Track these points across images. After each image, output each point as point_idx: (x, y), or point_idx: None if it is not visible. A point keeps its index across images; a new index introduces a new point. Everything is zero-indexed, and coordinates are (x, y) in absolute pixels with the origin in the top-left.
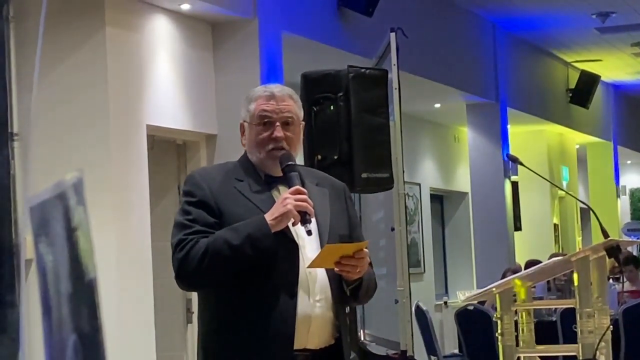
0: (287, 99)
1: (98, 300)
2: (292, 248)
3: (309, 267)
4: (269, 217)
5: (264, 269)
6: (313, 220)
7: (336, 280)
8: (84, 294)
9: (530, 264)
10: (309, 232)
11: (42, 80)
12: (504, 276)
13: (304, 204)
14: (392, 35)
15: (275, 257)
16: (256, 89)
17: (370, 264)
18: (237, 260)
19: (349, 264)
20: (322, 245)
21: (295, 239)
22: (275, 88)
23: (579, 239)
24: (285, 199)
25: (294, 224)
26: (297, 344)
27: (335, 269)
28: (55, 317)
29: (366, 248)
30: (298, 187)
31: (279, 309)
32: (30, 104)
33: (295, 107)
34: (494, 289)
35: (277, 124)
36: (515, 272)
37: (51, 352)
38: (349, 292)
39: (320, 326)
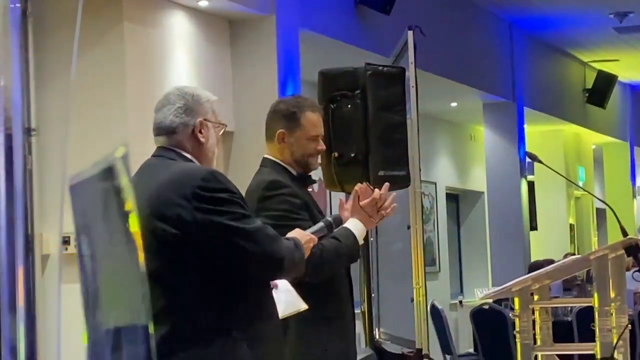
0: None
1: (147, 291)
2: None
3: None
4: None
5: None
6: None
7: None
8: (135, 284)
9: (538, 265)
10: None
11: (60, 75)
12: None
13: None
14: (410, 33)
15: None
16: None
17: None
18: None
19: None
20: None
21: None
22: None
23: (594, 239)
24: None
25: None
26: None
27: None
28: (96, 306)
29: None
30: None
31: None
32: (48, 99)
33: None
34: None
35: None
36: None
37: (94, 343)
38: None
39: None
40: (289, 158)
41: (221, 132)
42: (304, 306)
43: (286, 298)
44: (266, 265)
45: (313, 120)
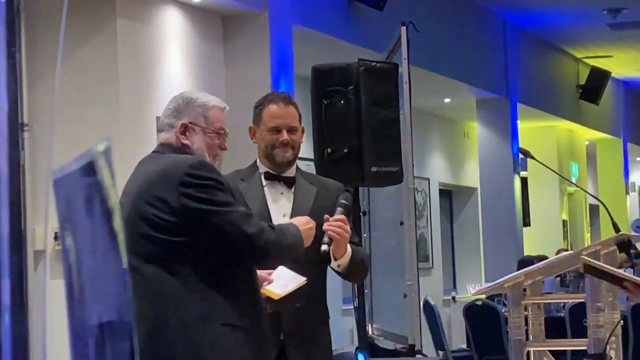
0: None
1: (131, 290)
2: None
3: None
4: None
5: None
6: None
7: None
8: (118, 279)
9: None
10: None
11: (53, 71)
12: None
13: None
14: (403, 29)
15: None
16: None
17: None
18: None
19: None
20: None
21: None
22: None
23: (587, 235)
24: None
25: None
26: None
27: None
28: (79, 300)
29: None
30: None
31: None
32: (41, 94)
33: None
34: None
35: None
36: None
37: (75, 339)
38: None
39: None
40: (261, 153)
41: (216, 140)
42: (303, 279)
43: (284, 274)
44: (249, 250)
45: (273, 112)
